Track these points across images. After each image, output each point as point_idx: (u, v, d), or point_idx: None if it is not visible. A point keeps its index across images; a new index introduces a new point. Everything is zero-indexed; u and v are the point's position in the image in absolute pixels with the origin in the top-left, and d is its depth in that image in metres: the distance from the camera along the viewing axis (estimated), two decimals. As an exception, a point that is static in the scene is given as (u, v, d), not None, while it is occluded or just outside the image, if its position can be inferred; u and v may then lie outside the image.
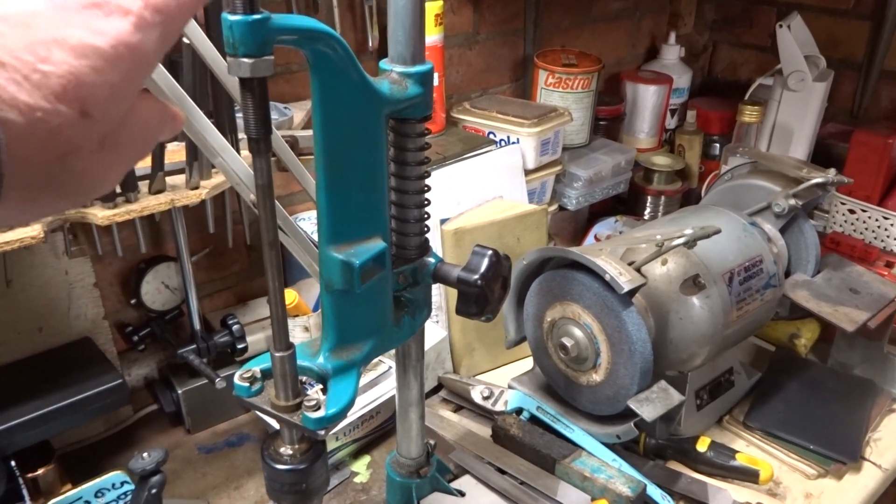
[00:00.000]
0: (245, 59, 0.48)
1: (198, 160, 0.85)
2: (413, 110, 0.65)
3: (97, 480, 0.91)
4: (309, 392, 0.63)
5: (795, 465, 0.97)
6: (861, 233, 1.37)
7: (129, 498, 0.89)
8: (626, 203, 1.55)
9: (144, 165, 0.83)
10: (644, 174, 1.51)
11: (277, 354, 0.60)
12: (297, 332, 1.05)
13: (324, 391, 0.64)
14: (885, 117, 1.57)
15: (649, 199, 1.51)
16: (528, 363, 1.13)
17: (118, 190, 0.81)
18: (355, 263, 0.60)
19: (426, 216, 0.71)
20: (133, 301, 1.01)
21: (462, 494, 0.88)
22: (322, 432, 0.61)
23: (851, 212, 1.38)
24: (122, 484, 0.91)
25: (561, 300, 0.92)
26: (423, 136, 0.67)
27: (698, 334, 0.91)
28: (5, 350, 0.96)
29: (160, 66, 0.65)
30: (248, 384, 0.63)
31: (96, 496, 0.89)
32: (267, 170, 0.54)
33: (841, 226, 1.39)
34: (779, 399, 1.06)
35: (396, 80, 0.63)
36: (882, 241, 1.35)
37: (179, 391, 1.00)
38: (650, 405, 0.86)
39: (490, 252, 0.68)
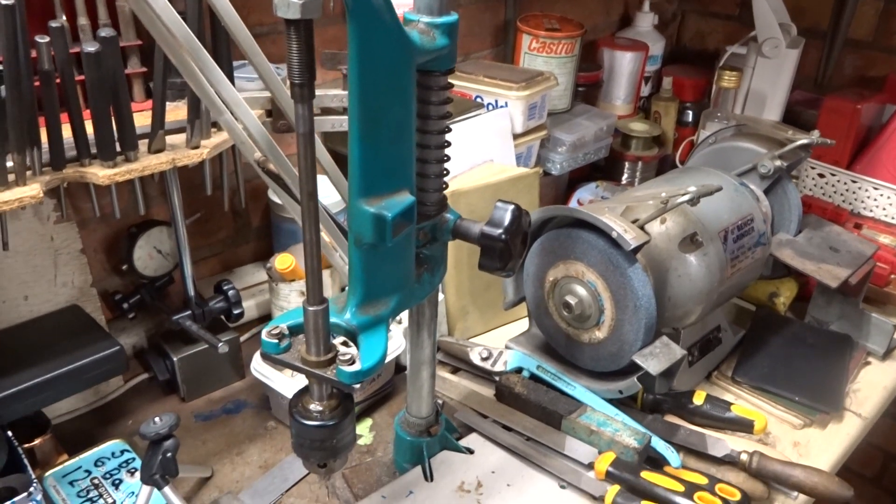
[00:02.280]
0: (295, 0, 0.47)
1: (199, 118, 0.82)
2: (438, 62, 0.64)
3: (96, 449, 0.89)
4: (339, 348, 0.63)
5: (783, 417, 1.01)
6: (830, 196, 1.42)
7: (130, 466, 0.87)
8: (603, 170, 1.57)
9: (144, 124, 0.80)
10: (622, 140, 1.53)
11: (311, 308, 0.59)
12: (294, 297, 1.04)
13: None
14: (849, 85, 1.63)
15: (627, 164, 1.54)
16: (520, 325, 1.14)
17: (118, 148, 0.78)
18: (388, 216, 0.60)
19: (446, 172, 0.71)
20: (124, 267, 0.98)
21: (471, 452, 0.89)
22: (357, 387, 0.61)
23: (821, 176, 1.42)
24: (122, 452, 0.89)
25: (564, 259, 0.93)
26: (446, 90, 0.67)
27: (696, 291, 0.93)
28: (-10, 319, 0.92)
29: (173, 12, 0.63)
30: (276, 341, 0.62)
31: (96, 465, 0.87)
32: (310, 117, 0.52)
33: (811, 189, 1.44)
34: (763, 355, 1.09)
35: (424, 31, 0.62)
36: (850, 203, 1.40)
37: (175, 358, 0.98)
38: (654, 359, 0.88)
39: (513, 206, 0.68)
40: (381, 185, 0.61)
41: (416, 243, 0.70)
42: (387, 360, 0.98)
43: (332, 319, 0.63)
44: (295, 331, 0.64)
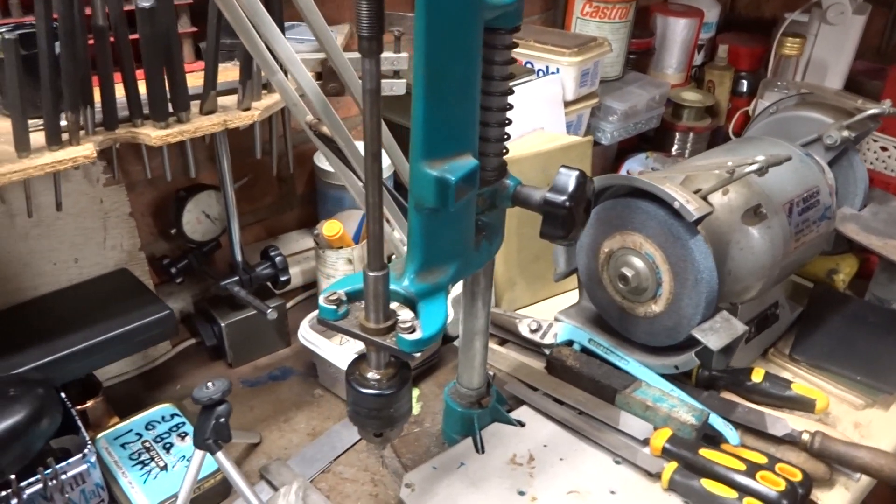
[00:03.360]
0: (367, -53, 0.44)
1: (251, 79, 0.80)
2: (504, 19, 0.61)
3: (147, 412, 0.89)
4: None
5: (843, 396, 0.98)
6: (893, 170, 1.36)
7: (180, 430, 0.87)
8: (652, 140, 1.53)
9: (194, 85, 0.78)
10: (673, 110, 1.48)
11: (372, 274, 0.57)
12: (341, 265, 1.02)
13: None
14: (913, 54, 1.56)
15: (677, 135, 1.49)
16: (568, 297, 1.12)
17: (170, 109, 0.76)
18: (451, 180, 0.57)
19: (507, 136, 0.68)
20: (173, 231, 0.97)
21: (522, 424, 0.88)
22: (418, 355, 0.59)
23: (884, 149, 1.36)
24: (172, 416, 0.89)
25: (621, 230, 0.90)
26: (510, 49, 0.64)
27: (758, 265, 0.90)
28: (42, 282, 0.92)
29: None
30: (334, 307, 0.61)
31: (146, 428, 0.87)
32: (377, 73, 0.50)
33: (872, 163, 1.38)
34: (822, 332, 1.06)
35: (492, -15, 0.59)
36: (914, 177, 1.34)
37: (222, 324, 0.98)
38: (715, 335, 0.85)
39: (577, 172, 0.66)
40: (444, 147, 0.58)
41: (475, 210, 0.68)
42: (437, 330, 0.97)
43: (391, 286, 0.62)
44: (352, 297, 0.62)
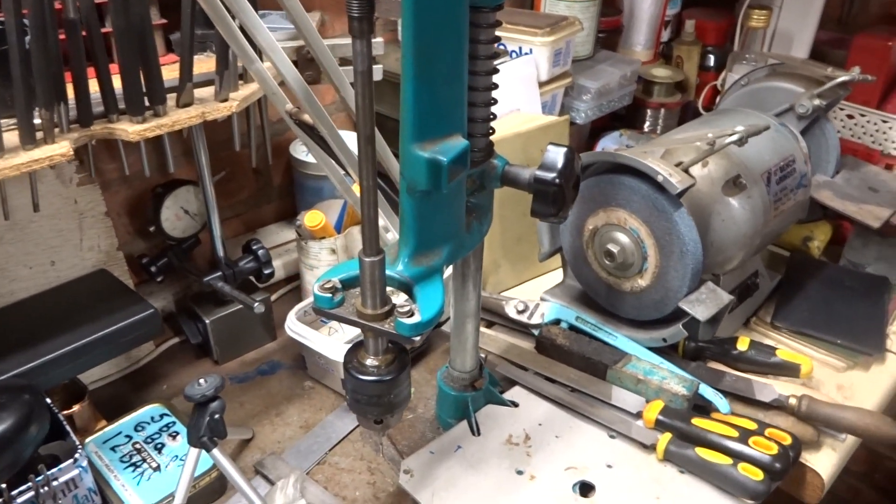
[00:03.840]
0: (356, -75, 0.43)
1: (228, 69, 0.79)
2: (488, -2, 0.61)
3: (135, 414, 0.88)
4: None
5: (825, 360, 1.00)
6: (860, 137, 1.38)
7: (171, 430, 0.86)
8: (624, 119, 1.53)
9: (172, 77, 0.77)
10: (644, 87, 1.49)
11: (368, 260, 0.57)
12: (324, 255, 1.01)
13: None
14: (874, 23, 1.58)
15: (649, 112, 1.50)
16: (553, 277, 1.12)
17: (146, 103, 0.75)
18: (443, 161, 0.57)
19: (493, 116, 0.68)
20: (152, 229, 0.95)
21: (516, 405, 0.88)
22: (417, 339, 0.59)
23: (850, 117, 1.39)
24: (162, 416, 0.88)
25: (604, 206, 0.90)
26: (494, 28, 0.63)
27: (739, 235, 0.91)
28: (18, 287, 0.90)
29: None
30: (329, 295, 0.60)
31: (136, 430, 0.86)
32: (369, 54, 0.49)
33: (839, 131, 1.40)
34: (801, 299, 1.08)
35: (475, -37, 0.58)
36: (880, 144, 1.37)
37: (207, 321, 0.96)
38: (702, 306, 0.86)
39: (566, 149, 0.66)
40: (434, 128, 0.58)
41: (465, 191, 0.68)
42: (425, 316, 0.96)
43: (386, 272, 0.61)
44: (347, 284, 0.62)
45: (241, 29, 0.67)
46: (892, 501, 1.83)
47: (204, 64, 0.84)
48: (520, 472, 0.79)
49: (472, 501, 0.75)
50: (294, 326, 0.93)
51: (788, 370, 0.92)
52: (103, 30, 0.71)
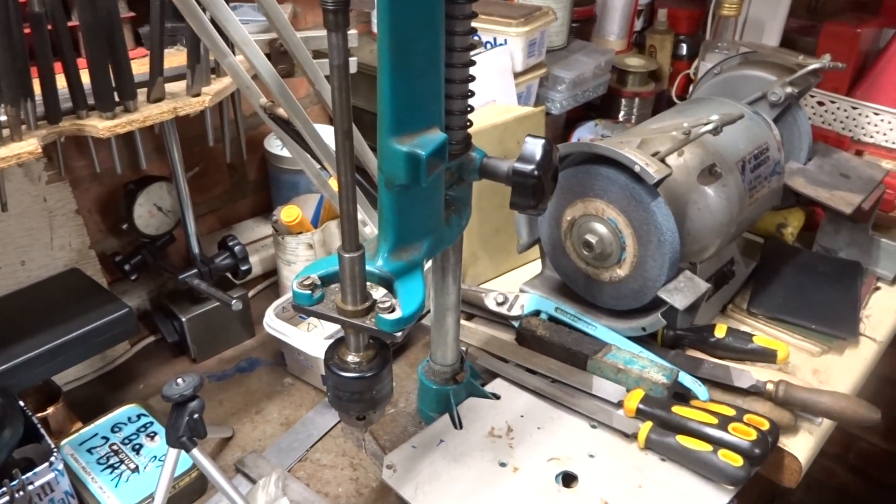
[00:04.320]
0: (330, -85, 0.42)
1: (199, 63, 0.77)
2: (463, -12, 0.60)
3: (111, 415, 0.87)
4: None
5: (800, 345, 1.01)
6: (830, 124, 1.40)
7: (149, 430, 0.85)
8: (599, 108, 1.54)
9: (142, 71, 0.75)
10: (618, 76, 1.50)
11: (347, 256, 0.56)
12: (301, 251, 1.00)
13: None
14: (842, 10, 1.60)
15: (623, 101, 1.50)
16: (531, 268, 1.12)
17: (116, 98, 0.73)
18: (422, 155, 0.57)
19: (470, 108, 0.68)
20: (124, 226, 0.94)
21: (497, 397, 0.88)
22: (399, 335, 0.58)
23: (821, 104, 1.40)
24: (139, 417, 0.87)
25: (582, 197, 0.90)
26: (470, 19, 0.63)
27: (715, 223, 0.92)
28: (-13, 287, 0.88)
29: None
30: (308, 291, 0.60)
31: (113, 431, 0.85)
32: (344, 47, 0.49)
33: (810, 118, 1.42)
34: (776, 285, 1.09)
35: (450, -46, 0.58)
36: (850, 130, 1.39)
37: (183, 319, 0.95)
38: (680, 294, 0.87)
39: (543, 140, 0.65)
40: (412, 121, 0.57)
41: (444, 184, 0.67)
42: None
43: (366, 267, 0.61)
44: (326, 280, 0.61)
45: (213, 22, 0.66)
46: (865, 481, 1.87)
47: (175, 58, 0.82)
48: (503, 465, 0.79)
49: (456, 495, 0.75)
50: (273, 323, 0.92)
51: (765, 356, 0.93)
52: (70, 23, 0.70)
